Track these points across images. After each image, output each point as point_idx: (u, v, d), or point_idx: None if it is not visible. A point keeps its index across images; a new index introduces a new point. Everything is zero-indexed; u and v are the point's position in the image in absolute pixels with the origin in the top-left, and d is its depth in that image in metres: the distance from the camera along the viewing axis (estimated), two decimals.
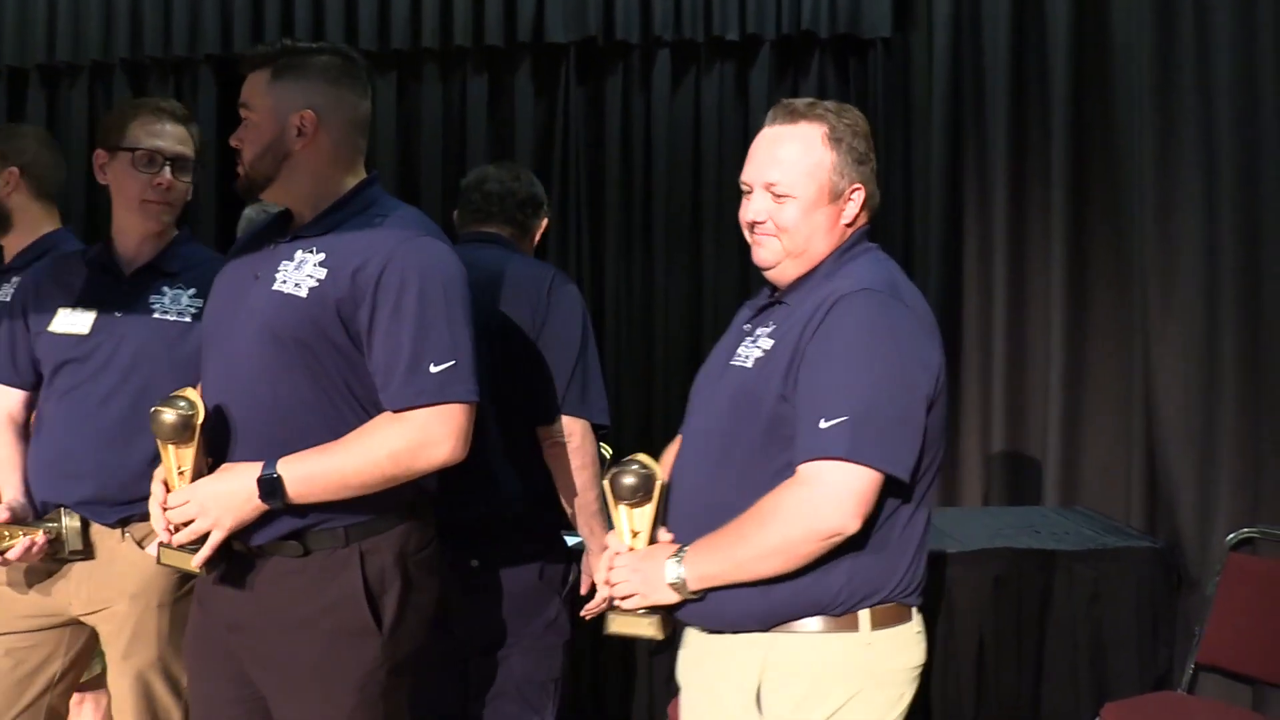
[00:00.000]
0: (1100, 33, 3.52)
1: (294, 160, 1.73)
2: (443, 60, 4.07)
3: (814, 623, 1.56)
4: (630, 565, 1.62)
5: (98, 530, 2.02)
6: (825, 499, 1.49)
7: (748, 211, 1.68)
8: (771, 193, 1.63)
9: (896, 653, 1.59)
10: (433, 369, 1.65)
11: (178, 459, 1.67)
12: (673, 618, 1.65)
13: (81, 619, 2.05)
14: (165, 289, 2.06)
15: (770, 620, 1.57)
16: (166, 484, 1.69)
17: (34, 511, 2.03)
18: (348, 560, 1.70)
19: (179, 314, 2.04)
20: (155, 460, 1.79)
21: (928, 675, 2.83)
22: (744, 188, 1.69)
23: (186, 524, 1.65)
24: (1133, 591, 2.86)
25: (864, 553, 1.55)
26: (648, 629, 1.63)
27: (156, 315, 2.04)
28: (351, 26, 3.96)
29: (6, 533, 1.96)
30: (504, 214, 2.35)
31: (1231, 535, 2.85)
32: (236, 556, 1.73)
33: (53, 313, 2.08)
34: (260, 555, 1.72)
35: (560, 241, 4.04)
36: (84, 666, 2.14)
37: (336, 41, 3.91)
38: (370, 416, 1.69)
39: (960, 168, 3.79)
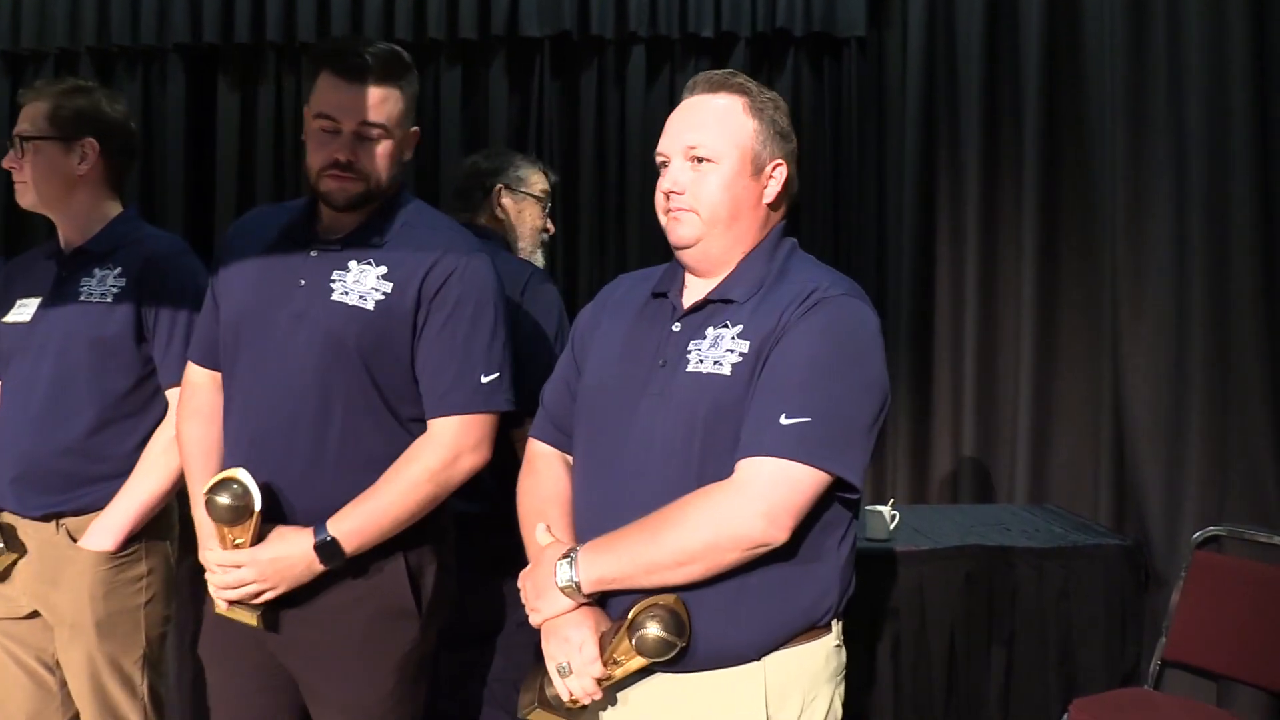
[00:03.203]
0: (1073, 33, 3.55)
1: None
2: (416, 52, 3.98)
3: (802, 636, 1.50)
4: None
5: (29, 530, 1.99)
6: (759, 505, 1.38)
7: (664, 181, 1.55)
8: (691, 158, 1.52)
9: (842, 648, 1.59)
10: (483, 379, 1.74)
11: (232, 535, 1.68)
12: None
13: (37, 612, 2.03)
14: (95, 271, 2.02)
15: (769, 648, 1.47)
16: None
17: None
18: (390, 545, 1.74)
19: (101, 295, 1.99)
20: (78, 447, 1.90)
21: (900, 672, 2.87)
22: (659, 160, 1.57)
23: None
24: (1101, 589, 2.88)
25: (844, 563, 1.53)
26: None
27: (82, 299, 2.00)
28: (324, 17, 3.90)
29: None
30: (473, 201, 2.32)
31: (1198, 534, 2.88)
32: None
33: (13, 303, 2.07)
34: None
35: None
36: None
37: (308, 33, 3.88)
38: (407, 417, 1.75)
39: (933, 166, 3.81)
